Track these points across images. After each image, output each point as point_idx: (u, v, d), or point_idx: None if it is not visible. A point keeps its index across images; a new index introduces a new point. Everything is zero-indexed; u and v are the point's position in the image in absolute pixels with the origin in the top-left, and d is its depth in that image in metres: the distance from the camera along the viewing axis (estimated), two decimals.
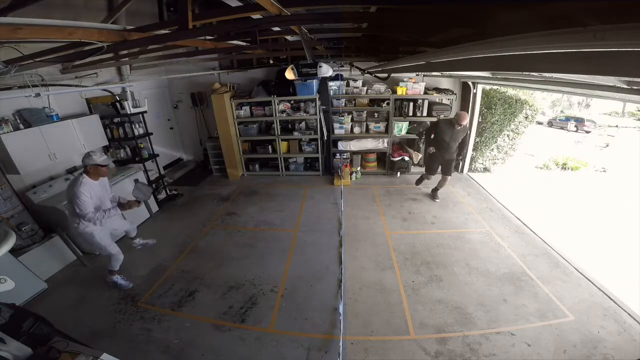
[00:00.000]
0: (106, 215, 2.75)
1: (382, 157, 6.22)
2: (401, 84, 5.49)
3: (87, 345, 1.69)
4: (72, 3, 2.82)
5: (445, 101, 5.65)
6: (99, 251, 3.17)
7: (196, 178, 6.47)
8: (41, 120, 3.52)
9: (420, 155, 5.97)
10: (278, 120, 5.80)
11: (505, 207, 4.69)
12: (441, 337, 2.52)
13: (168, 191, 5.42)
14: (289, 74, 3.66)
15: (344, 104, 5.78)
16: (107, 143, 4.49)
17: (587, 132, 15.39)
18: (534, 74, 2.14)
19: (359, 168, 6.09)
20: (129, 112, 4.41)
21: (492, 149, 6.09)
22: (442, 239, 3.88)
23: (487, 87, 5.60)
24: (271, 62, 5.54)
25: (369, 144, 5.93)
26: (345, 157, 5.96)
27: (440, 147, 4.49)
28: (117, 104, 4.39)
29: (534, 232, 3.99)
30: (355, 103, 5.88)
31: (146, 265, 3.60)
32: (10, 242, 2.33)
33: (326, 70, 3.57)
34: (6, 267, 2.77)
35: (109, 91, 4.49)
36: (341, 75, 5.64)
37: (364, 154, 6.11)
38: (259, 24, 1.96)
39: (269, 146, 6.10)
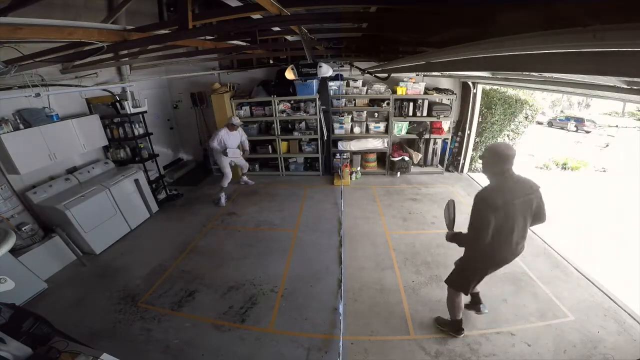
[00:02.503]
0: (220, 152, 4.90)
1: (382, 157, 6.21)
2: (401, 84, 5.49)
3: (87, 345, 1.69)
4: (72, 3, 2.82)
5: (445, 101, 5.66)
6: (221, 168, 5.12)
7: (196, 178, 6.47)
8: (41, 120, 3.52)
9: (420, 155, 5.97)
10: (278, 120, 5.80)
11: None
12: (441, 337, 2.52)
13: (168, 191, 5.42)
14: (289, 74, 3.67)
15: (344, 104, 5.78)
16: (107, 143, 4.49)
17: (587, 132, 15.39)
18: (534, 74, 2.14)
19: (359, 168, 6.09)
20: (129, 112, 4.41)
21: None
22: (442, 239, 3.84)
23: (487, 87, 5.60)
24: (271, 62, 5.54)
25: (369, 144, 5.93)
26: (345, 157, 5.95)
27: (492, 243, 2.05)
28: (117, 104, 4.39)
29: (534, 232, 3.97)
30: (355, 103, 5.88)
31: (146, 265, 3.60)
32: (10, 242, 2.34)
33: (326, 70, 3.57)
34: (6, 267, 2.78)
35: (109, 91, 4.48)
36: (341, 75, 5.64)
37: (364, 154, 6.11)
38: (259, 24, 1.96)
39: (269, 146, 6.10)
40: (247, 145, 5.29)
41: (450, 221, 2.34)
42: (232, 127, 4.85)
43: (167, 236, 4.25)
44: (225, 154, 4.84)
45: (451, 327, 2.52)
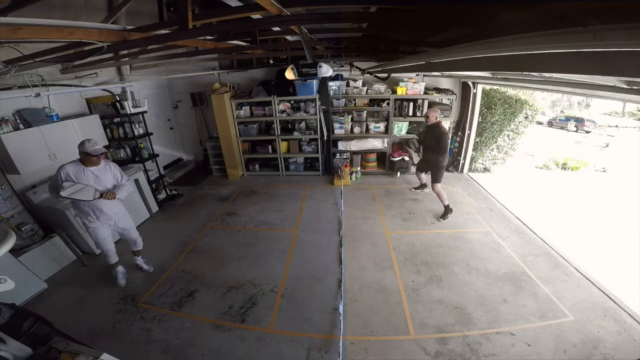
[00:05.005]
0: (71, 199, 2.59)
1: (382, 157, 6.21)
2: (401, 84, 5.49)
3: (87, 345, 1.69)
4: (72, 3, 2.82)
5: (445, 101, 5.65)
6: (96, 245, 3.15)
7: (196, 178, 6.47)
8: (41, 120, 3.52)
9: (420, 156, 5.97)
10: (278, 120, 5.80)
11: (505, 207, 4.69)
12: (441, 337, 2.52)
13: (168, 191, 5.42)
14: (289, 74, 3.66)
15: (344, 104, 5.78)
16: (107, 143, 4.48)
17: (587, 132, 15.37)
18: (534, 74, 2.14)
19: (359, 168, 6.08)
20: (129, 112, 4.41)
21: (492, 149, 6.09)
22: (442, 239, 3.88)
23: (487, 87, 5.60)
24: (271, 62, 5.53)
25: (369, 144, 5.93)
26: (345, 157, 5.95)
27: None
28: (117, 104, 4.39)
29: (534, 232, 3.99)
30: (355, 103, 5.88)
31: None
32: (10, 242, 2.33)
33: (326, 70, 3.56)
34: (6, 267, 2.77)
35: (109, 91, 4.49)
36: (341, 75, 5.64)
37: (364, 154, 6.11)
38: (259, 24, 1.96)
39: (269, 146, 6.10)
40: (124, 191, 2.88)
41: (417, 148, 4.90)
42: (85, 159, 2.66)
43: (167, 236, 4.25)
44: (82, 211, 2.79)
45: (446, 211, 4.40)
